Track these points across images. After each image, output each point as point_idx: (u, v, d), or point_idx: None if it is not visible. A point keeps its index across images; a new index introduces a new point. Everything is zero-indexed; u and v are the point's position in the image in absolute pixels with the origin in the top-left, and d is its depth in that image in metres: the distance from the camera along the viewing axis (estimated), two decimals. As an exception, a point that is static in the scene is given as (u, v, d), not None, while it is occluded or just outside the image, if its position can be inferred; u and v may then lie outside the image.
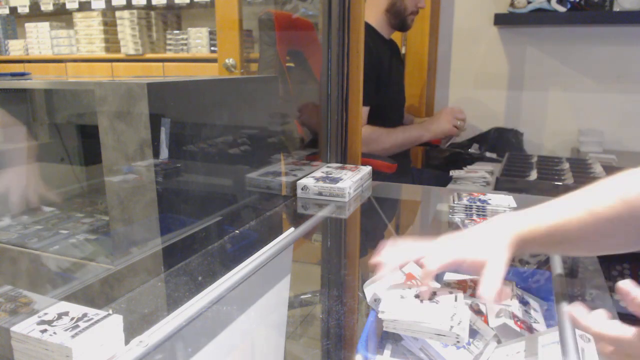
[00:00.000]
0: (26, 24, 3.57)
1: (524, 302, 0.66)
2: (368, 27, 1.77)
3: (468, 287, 0.67)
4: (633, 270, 1.85)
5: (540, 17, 2.11)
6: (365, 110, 1.71)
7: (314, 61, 1.72)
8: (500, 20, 2.18)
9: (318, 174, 1.23)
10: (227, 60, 1.97)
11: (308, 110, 1.60)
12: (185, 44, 3.13)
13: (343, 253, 0.98)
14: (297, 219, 1.07)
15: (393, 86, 1.85)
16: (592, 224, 0.58)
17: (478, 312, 0.62)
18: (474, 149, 2.19)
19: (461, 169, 1.63)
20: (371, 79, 1.68)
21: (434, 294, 0.59)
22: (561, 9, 2.05)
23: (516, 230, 0.61)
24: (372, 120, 1.73)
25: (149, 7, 3.19)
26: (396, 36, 1.97)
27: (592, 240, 0.60)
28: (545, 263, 0.84)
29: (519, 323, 0.60)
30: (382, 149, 1.73)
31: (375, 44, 1.74)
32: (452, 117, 1.77)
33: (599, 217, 0.58)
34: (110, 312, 0.52)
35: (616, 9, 2.03)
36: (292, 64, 1.70)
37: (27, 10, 3.63)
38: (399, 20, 1.76)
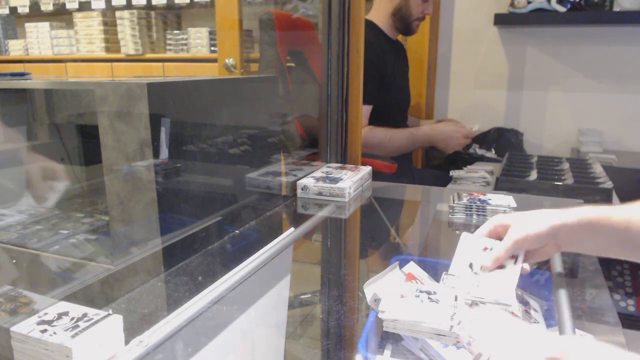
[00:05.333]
0: (26, 24, 3.57)
1: (524, 302, 0.66)
2: (374, 26, 1.77)
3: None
4: (633, 270, 1.85)
5: (540, 17, 2.10)
6: (366, 109, 1.70)
7: (315, 61, 1.72)
8: (500, 20, 2.18)
9: (318, 174, 1.23)
10: (227, 60, 1.97)
11: (308, 116, 1.60)
12: (185, 44, 3.13)
13: (343, 253, 0.98)
14: (297, 219, 1.07)
15: (397, 86, 1.85)
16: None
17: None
18: (474, 149, 2.19)
19: (461, 169, 1.63)
20: (374, 77, 1.68)
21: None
22: (561, 9, 2.05)
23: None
24: (375, 120, 1.73)
25: (149, 7, 3.19)
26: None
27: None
28: (545, 263, 0.84)
29: (519, 323, 0.60)
30: (382, 153, 1.73)
31: (379, 43, 1.74)
32: (462, 142, 1.78)
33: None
34: (110, 312, 0.52)
35: (616, 9, 2.03)
36: (292, 64, 1.70)
37: (27, 10, 3.63)
38: (404, 24, 1.77)
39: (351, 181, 1.16)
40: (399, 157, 1.76)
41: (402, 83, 1.90)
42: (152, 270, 0.79)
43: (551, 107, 2.31)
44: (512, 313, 0.61)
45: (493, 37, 2.34)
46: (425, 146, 1.81)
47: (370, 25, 1.77)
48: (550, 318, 0.64)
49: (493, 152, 2.17)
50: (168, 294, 0.73)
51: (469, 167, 1.70)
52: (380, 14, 1.78)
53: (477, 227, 1.04)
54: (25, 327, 0.49)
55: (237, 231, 0.97)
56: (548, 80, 2.28)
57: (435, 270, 0.73)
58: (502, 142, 2.26)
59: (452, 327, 0.52)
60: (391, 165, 1.60)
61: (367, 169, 1.30)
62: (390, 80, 1.77)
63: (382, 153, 1.72)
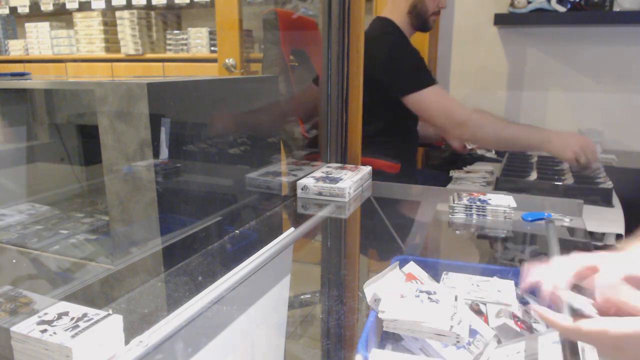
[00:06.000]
0: (26, 24, 3.57)
1: (524, 302, 0.66)
2: (392, 24, 1.76)
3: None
4: (633, 270, 1.84)
5: (540, 17, 2.10)
6: (444, 90, 1.62)
7: (318, 60, 1.72)
8: (500, 20, 2.18)
9: (318, 174, 1.23)
10: (227, 60, 1.97)
11: (310, 102, 1.57)
12: (185, 44, 3.13)
13: (343, 253, 0.98)
14: (297, 219, 1.07)
15: None
16: None
17: (478, 312, 0.62)
18: (474, 149, 2.19)
19: (461, 169, 1.63)
20: (422, 61, 1.66)
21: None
22: (561, 9, 2.05)
23: None
24: (390, 122, 1.70)
25: (149, 7, 3.19)
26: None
27: None
28: (545, 263, 0.83)
29: (519, 323, 0.60)
30: (492, 143, 1.59)
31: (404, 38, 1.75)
32: (581, 152, 1.41)
33: None
34: (110, 312, 0.52)
35: (616, 9, 2.03)
36: (295, 63, 1.70)
37: (27, 10, 3.63)
38: (421, 21, 1.76)
39: (351, 181, 1.16)
40: (404, 157, 1.75)
41: None
42: (152, 270, 0.79)
43: (551, 107, 2.30)
44: (513, 313, 0.61)
45: (493, 37, 2.34)
46: (538, 147, 1.49)
47: (389, 23, 1.76)
48: (550, 318, 0.64)
49: (493, 152, 2.16)
50: (168, 294, 0.73)
51: (469, 167, 1.70)
52: (395, 13, 1.76)
53: (477, 227, 1.04)
54: (25, 327, 0.49)
55: (237, 231, 0.97)
56: (548, 80, 2.28)
57: (435, 270, 0.73)
58: (502, 142, 2.25)
59: (452, 327, 0.52)
60: (394, 165, 1.59)
61: (367, 169, 1.30)
62: None
63: (492, 144, 1.57)
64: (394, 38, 1.67)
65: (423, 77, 1.57)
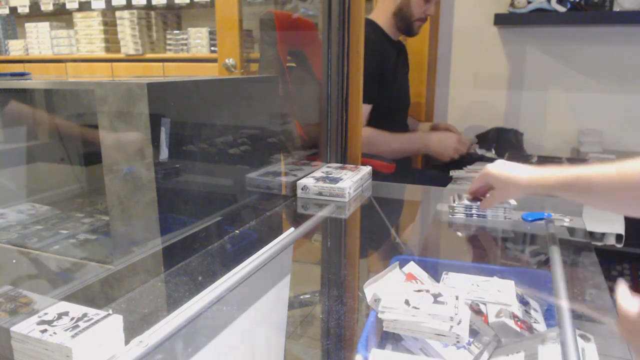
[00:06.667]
0: (26, 24, 3.57)
1: (524, 302, 0.66)
2: (376, 26, 1.77)
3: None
4: (633, 270, 1.85)
5: (540, 17, 2.10)
6: (365, 109, 1.71)
7: (315, 61, 1.72)
8: (500, 20, 2.18)
9: (318, 174, 1.23)
10: (227, 60, 1.97)
11: (307, 116, 1.60)
12: (185, 44, 3.12)
13: (343, 253, 0.98)
14: (297, 219, 1.07)
15: (397, 87, 1.84)
16: (618, 181, 0.67)
17: (478, 312, 0.62)
18: (474, 149, 2.19)
19: (461, 169, 1.63)
20: (373, 77, 1.68)
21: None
22: (561, 9, 2.05)
23: (545, 172, 0.80)
24: (376, 120, 1.73)
25: (149, 7, 3.19)
26: (396, 36, 1.96)
27: (617, 197, 0.69)
28: (545, 263, 0.84)
29: (519, 323, 0.60)
30: (380, 153, 1.73)
31: (381, 43, 1.74)
32: (458, 148, 1.79)
33: (626, 177, 0.66)
34: (110, 312, 0.52)
35: (616, 9, 2.02)
36: (293, 64, 1.71)
37: (27, 10, 3.63)
38: (406, 24, 1.77)
39: (351, 181, 1.16)
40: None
41: (402, 83, 1.90)
42: (152, 270, 0.79)
43: (551, 107, 2.30)
44: (513, 313, 0.61)
45: (493, 37, 2.34)
46: (422, 153, 1.84)
47: (372, 25, 1.77)
48: (550, 318, 0.64)
49: (493, 152, 2.16)
50: (168, 294, 0.73)
51: (469, 167, 1.70)
52: (382, 14, 1.78)
53: (477, 227, 1.04)
54: (25, 327, 0.49)
55: (237, 231, 0.97)
56: (548, 80, 2.28)
57: (435, 270, 0.73)
58: (502, 142, 2.26)
59: (452, 327, 0.52)
60: (389, 166, 1.60)
61: (367, 169, 1.30)
62: (390, 80, 1.77)
63: (387, 155, 1.72)
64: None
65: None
